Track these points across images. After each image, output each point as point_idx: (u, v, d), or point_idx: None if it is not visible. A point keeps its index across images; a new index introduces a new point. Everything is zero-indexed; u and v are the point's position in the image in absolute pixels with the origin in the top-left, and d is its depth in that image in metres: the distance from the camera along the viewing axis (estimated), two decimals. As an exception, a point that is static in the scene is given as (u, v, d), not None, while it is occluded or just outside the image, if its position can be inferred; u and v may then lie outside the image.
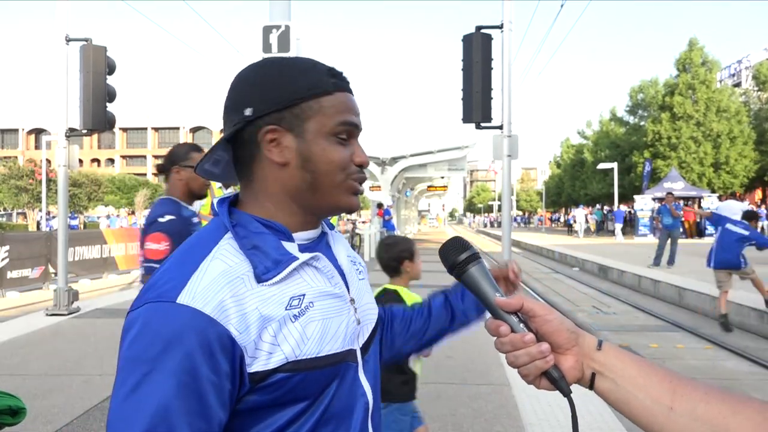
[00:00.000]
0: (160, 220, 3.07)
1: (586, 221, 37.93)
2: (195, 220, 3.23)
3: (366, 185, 33.84)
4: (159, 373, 0.82)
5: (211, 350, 0.85)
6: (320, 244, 1.08)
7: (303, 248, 1.02)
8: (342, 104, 1.02)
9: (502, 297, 0.93)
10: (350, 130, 1.03)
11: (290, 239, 1.01)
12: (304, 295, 0.96)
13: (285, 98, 0.98)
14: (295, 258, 0.97)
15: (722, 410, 0.81)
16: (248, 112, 0.98)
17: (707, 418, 0.81)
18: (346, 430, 1.00)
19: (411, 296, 2.96)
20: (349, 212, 1.06)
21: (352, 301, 1.06)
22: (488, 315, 0.98)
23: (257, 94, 0.99)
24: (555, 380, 0.89)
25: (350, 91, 1.05)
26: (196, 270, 0.90)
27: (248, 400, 0.91)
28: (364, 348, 1.07)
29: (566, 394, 0.89)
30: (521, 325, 0.91)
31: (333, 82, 1.01)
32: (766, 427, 0.78)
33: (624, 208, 38.50)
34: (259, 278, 0.92)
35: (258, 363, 0.89)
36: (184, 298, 0.86)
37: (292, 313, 0.93)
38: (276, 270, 0.93)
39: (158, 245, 2.98)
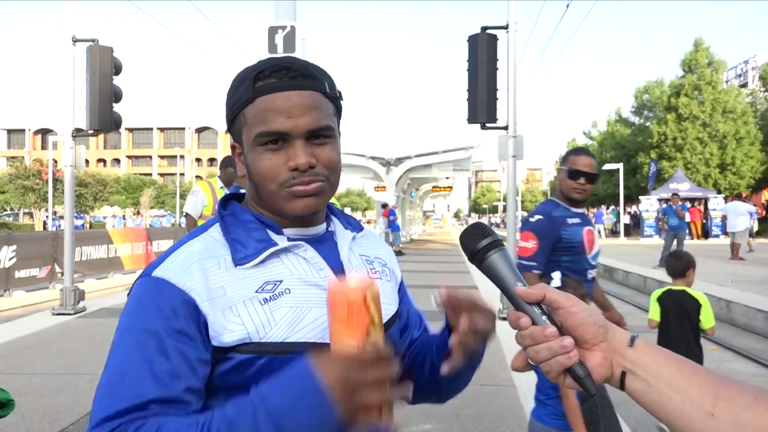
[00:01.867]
0: (530, 219, 3.24)
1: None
2: (570, 221, 3.20)
3: (371, 186, 33.79)
4: (130, 335, 0.92)
5: (177, 315, 0.92)
6: (324, 241, 1.09)
7: (296, 240, 1.05)
8: (262, 111, 0.98)
9: (523, 287, 0.87)
10: (276, 138, 0.98)
11: (280, 232, 1.04)
12: (281, 281, 0.98)
13: (228, 116, 1.05)
14: (274, 244, 1.00)
15: None
16: (227, 130, 1.08)
17: (754, 427, 0.71)
18: None
19: (695, 292, 4.11)
20: (300, 218, 1.03)
21: None
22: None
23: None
24: (579, 378, 0.81)
25: (281, 88, 0.98)
26: (178, 249, 1.00)
27: (221, 380, 0.95)
28: None
29: (591, 394, 0.81)
30: (544, 317, 0.84)
31: (257, 87, 0.99)
32: None
33: (630, 208, 38.42)
34: (236, 261, 0.97)
35: (221, 338, 0.93)
36: (158, 272, 0.96)
37: (263, 296, 0.96)
38: (253, 255, 0.98)
39: (526, 243, 3.15)
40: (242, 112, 1.01)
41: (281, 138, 0.98)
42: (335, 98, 1.05)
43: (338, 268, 1.06)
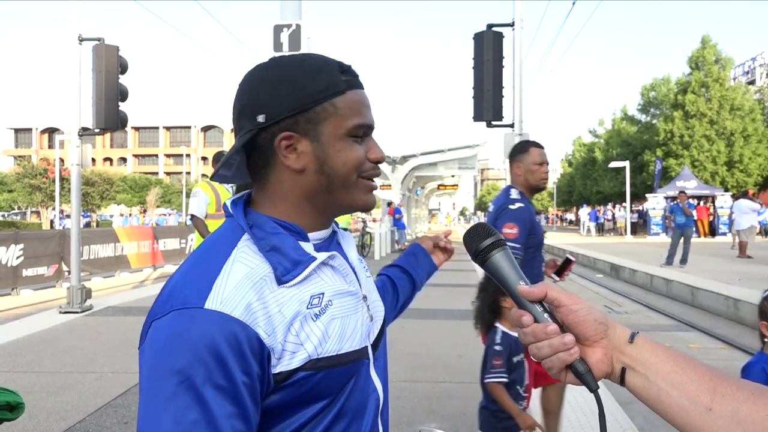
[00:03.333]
0: None
1: (613, 219, 38.80)
2: None
3: (376, 184, 33.82)
4: (195, 381, 0.81)
5: (242, 353, 0.84)
6: (332, 243, 1.08)
7: (317, 247, 1.02)
8: (356, 103, 1.00)
9: (526, 285, 0.88)
10: (366, 131, 1.03)
11: (306, 239, 1.00)
12: (323, 293, 0.96)
13: (298, 103, 0.96)
14: (314, 258, 0.96)
15: None
16: (261, 118, 0.97)
17: (752, 422, 0.71)
18: (359, 426, 0.99)
19: None
20: (365, 210, 1.05)
21: (365, 298, 1.06)
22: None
23: (269, 99, 0.97)
24: (580, 374, 0.83)
25: (361, 86, 1.03)
26: (219, 273, 0.90)
27: (271, 399, 0.90)
28: (375, 344, 1.06)
29: (592, 389, 0.83)
30: (546, 315, 0.86)
31: (345, 80, 0.99)
32: None
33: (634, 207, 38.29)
34: (280, 280, 0.92)
35: (282, 363, 0.89)
36: (211, 303, 0.85)
37: (313, 312, 0.93)
38: (296, 271, 0.93)
39: None
40: (331, 101, 0.98)
41: (367, 132, 1.02)
42: None
43: (353, 271, 1.07)
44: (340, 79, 0.99)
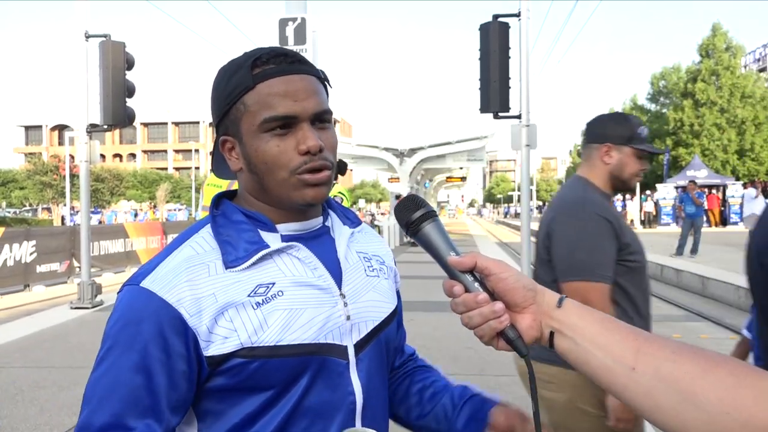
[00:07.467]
0: None
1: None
2: None
3: (384, 177, 33.76)
4: (116, 350, 0.91)
5: (162, 331, 0.90)
6: (319, 237, 1.06)
7: (289, 239, 1.01)
8: (266, 96, 0.95)
9: (456, 256, 0.89)
10: (285, 123, 0.96)
11: (272, 230, 1.01)
12: (273, 283, 0.96)
13: (221, 107, 1.00)
14: (265, 246, 0.97)
15: (690, 371, 0.73)
16: (215, 124, 1.04)
17: (672, 379, 0.74)
18: (325, 428, 0.98)
19: None
20: (308, 206, 1.01)
21: (343, 296, 1.02)
22: None
23: (211, 107, 1.03)
24: (511, 341, 0.86)
25: (283, 72, 0.96)
26: (168, 256, 0.96)
27: (213, 382, 0.95)
28: (359, 346, 1.03)
29: (523, 354, 0.86)
30: (476, 284, 0.87)
31: (256, 74, 0.96)
32: (739, 392, 0.70)
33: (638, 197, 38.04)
34: (227, 265, 0.95)
35: (213, 347, 0.92)
36: (146, 282, 0.93)
37: (255, 300, 0.94)
38: (245, 258, 0.96)
39: None
40: (241, 100, 0.96)
41: (289, 123, 0.95)
42: (326, 84, 1.04)
43: (334, 266, 1.04)
44: (248, 75, 0.96)
